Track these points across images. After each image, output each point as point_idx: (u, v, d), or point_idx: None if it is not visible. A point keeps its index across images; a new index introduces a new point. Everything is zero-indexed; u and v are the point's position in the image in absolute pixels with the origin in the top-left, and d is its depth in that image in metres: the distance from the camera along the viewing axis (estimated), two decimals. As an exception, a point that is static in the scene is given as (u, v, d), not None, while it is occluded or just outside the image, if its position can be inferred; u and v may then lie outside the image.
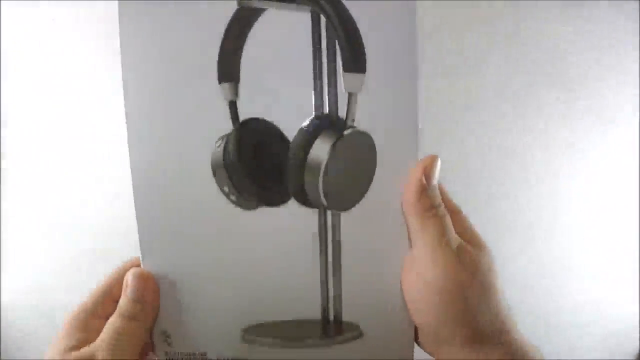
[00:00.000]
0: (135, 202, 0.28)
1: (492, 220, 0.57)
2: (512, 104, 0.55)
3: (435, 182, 0.27)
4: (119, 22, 0.28)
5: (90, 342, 0.27)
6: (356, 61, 0.27)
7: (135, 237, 0.45)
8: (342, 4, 0.26)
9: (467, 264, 0.26)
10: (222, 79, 0.27)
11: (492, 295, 0.26)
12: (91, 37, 0.52)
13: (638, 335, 0.62)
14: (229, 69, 0.27)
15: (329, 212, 0.29)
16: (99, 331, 0.28)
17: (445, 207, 0.28)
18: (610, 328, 0.62)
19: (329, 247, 0.29)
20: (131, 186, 0.29)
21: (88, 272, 0.55)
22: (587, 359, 0.62)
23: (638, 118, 0.57)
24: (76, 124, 0.53)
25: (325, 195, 0.27)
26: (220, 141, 0.27)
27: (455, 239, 0.27)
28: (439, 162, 0.27)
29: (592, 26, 0.55)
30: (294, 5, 0.27)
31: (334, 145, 0.27)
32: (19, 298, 0.58)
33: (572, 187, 0.58)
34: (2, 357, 0.59)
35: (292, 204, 0.28)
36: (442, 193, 0.28)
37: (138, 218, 0.29)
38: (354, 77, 0.27)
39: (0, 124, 0.54)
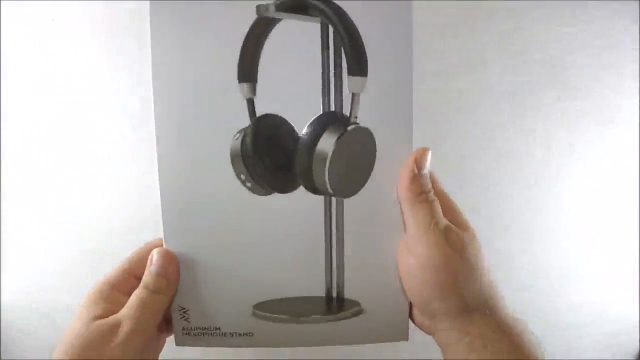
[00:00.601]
0: (160, 187, 0.31)
1: (490, 220, 0.57)
2: (510, 104, 0.55)
3: (425, 171, 0.30)
4: (151, 26, 0.30)
5: (113, 313, 0.29)
6: (359, 66, 0.30)
7: (135, 237, 0.46)
8: (347, 15, 0.30)
9: (453, 242, 0.29)
10: (241, 79, 0.30)
11: (477, 270, 0.29)
12: (91, 37, 0.52)
13: (638, 335, 0.62)
14: (248, 70, 0.30)
15: (333, 199, 0.32)
16: (121, 304, 0.30)
17: (435, 193, 0.31)
18: (610, 328, 0.62)
19: (333, 230, 0.32)
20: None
21: (88, 272, 0.55)
22: (587, 359, 0.62)
23: (638, 118, 0.57)
24: (76, 123, 0.53)
25: (331, 184, 0.30)
26: (238, 134, 0.31)
27: (442, 221, 0.29)
28: (429, 154, 0.30)
29: (590, 26, 0.55)
30: (306, 17, 0.30)
31: (338, 139, 0.30)
32: (19, 298, 0.58)
33: (571, 187, 0.58)
34: (2, 357, 0.59)
35: (301, 192, 0.32)
36: (433, 181, 0.31)
37: (162, 202, 0.31)
38: (357, 80, 0.30)
39: (0, 124, 0.54)
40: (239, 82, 0.30)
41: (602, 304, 0.61)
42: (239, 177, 0.31)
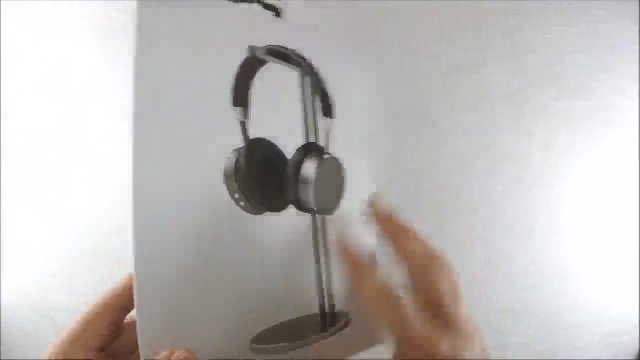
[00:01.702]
0: (134, 206, 0.28)
1: (493, 220, 0.57)
2: (510, 104, 0.55)
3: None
4: (136, 52, 0.30)
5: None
6: (328, 111, 0.36)
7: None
8: (317, 72, 0.35)
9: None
10: (236, 103, 0.33)
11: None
12: (91, 37, 0.52)
13: (638, 335, 0.62)
14: (241, 96, 0.33)
15: (318, 218, 0.35)
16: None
17: (395, 228, 0.30)
18: (610, 328, 0.62)
19: (321, 245, 0.34)
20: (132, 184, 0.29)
21: (87, 271, 0.55)
22: (588, 358, 0.62)
23: (637, 119, 0.57)
24: (76, 123, 0.53)
25: (316, 202, 0.33)
26: (232, 154, 0.32)
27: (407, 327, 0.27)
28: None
29: (591, 26, 0.55)
30: (289, 65, 0.35)
31: (318, 166, 0.33)
32: (19, 298, 0.58)
33: (572, 187, 0.58)
34: (2, 357, 0.59)
35: (290, 210, 0.33)
36: (388, 220, 0.31)
37: (135, 220, 0.28)
38: (327, 121, 0.35)
39: (0, 124, 0.54)
40: (234, 105, 0.32)
41: (603, 304, 0.61)
42: (232, 197, 0.32)
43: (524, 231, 0.58)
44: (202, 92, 0.31)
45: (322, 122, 0.36)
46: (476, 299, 0.56)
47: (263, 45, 0.34)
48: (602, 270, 0.60)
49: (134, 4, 0.53)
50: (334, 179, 0.35)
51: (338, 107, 0.36)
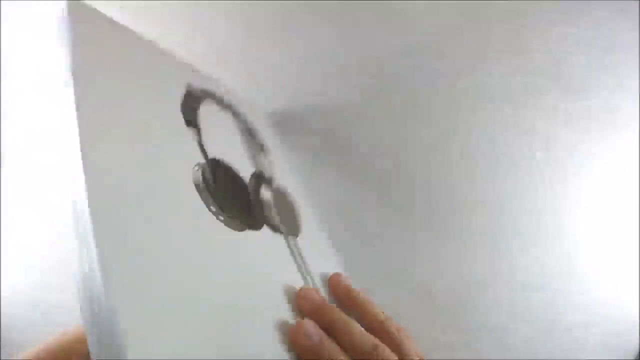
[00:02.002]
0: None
1: (494, 220, 0.57)
2: (512, 104, 0.55)
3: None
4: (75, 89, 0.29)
5: None
6: (261, 147, 0.40)
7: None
8: (244, 116, 0.41)
9: None
10: (188, 124, 0.33)
11: None
12: (91, 37, 0.52)
13: (638, 335, 0.62)
14: (190, 119, 0.34)
15: (292, 242, 0.35)
16: None
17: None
18: (611, 328, 0.62)
19: (302, 264, 0.34)
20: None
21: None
22: (588, 358, 0.62)
23: (638, 119, 0.57)
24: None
25: (282, 223, 0.34)
26: (197, 166, 0.31)
27: None
28: None
29: (591, 26, 0.55)
30: (218, 104, 0.38)
31: (272, 191, 0.36)
32: (18, 297, 0.58)
33: (574, 188, 0.58)
34: (2, 357, 0.59)
35: (266, 230, 0.34)
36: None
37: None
38: (266, 155, 0.40)
39: (0, 124, 0.54)
40: (187, 126, 0.33)
41: (603, 303, 0.61)
42: (209, 209, 0.29)
43: (527, 231, 0.58)
44: (149, 117, 0.31)
45: (261, 155, 0.39)
46: (482, 300, 0.56)
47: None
48: (603, 271, 0.60)
49: (135, 4, 0.53)
50: (288, 205, 0.38)
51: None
